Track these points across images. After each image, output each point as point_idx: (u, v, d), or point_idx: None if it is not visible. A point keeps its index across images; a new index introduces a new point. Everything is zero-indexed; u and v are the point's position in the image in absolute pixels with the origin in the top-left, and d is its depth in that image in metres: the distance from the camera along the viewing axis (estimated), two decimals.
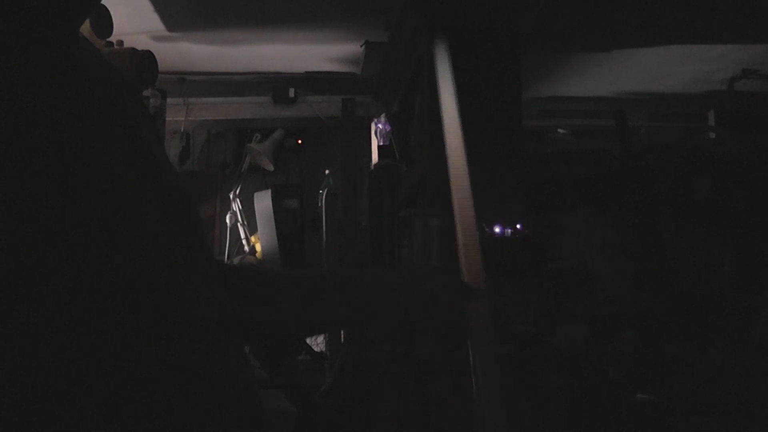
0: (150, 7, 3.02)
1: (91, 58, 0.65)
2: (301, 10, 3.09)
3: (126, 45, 2.91)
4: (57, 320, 0.51)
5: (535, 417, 2.06)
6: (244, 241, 4.27)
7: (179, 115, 4.19)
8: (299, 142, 4.48)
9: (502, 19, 2.55)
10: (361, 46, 3.45)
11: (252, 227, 4.19)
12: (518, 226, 2.29)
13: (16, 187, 0.50)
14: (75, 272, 0.52)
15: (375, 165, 3.47)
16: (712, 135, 4.22)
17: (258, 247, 4.15)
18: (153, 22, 3.15)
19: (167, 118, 3.83)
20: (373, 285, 0.97)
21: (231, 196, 4.25)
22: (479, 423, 0.85)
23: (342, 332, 3.45)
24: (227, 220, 4.24)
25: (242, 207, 4.24)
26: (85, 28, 2.45)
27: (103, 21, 2.56)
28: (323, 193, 3.92)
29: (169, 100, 3.81)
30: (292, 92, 4.21)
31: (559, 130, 3.95)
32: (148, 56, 2.80)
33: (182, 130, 4.25)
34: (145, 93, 3.40)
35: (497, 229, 2.28)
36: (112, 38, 2.74)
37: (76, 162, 0.54)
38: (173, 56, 3.61)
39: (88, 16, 0.63)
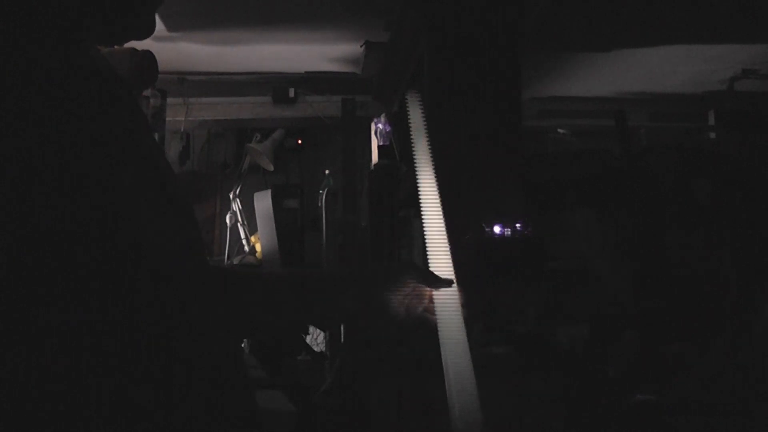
0: None
1: (92, 60, 0.65)
2: (301, 10, 3.09)
3: (126, 45, 2.91)
4: (57, 320, 0.51)
5: (535, 417, 2.06)
6: (244, 241, 4.27)
7: (179, 115, 4.19)
8: (299, 142, 4.48)
9: (502, 20, 2.55)
10: (361, 46, 3.45)
11: (252, 227, 4.19)
12: (518, 226, 2.29)
13: (17, 188, 0.50)
14: (75, 272, 0.52)
15: (375, 165, 3.47)
16: (712, 135, 4.22)
17: (258, 247, 4.15)
18: None
19: (167, 118, 3.83)
20: (335, 280, 1.01)
21: (231, 196, 4.24)
22: (450, 408, 0.85)
23: (342, 332, 3.45)
24: (227, 220, 4.24)
25: (242, 207, 4.24)
26: None
27: None
28: (323, 193, 3.92)
29: (169, 100, 3.80)
30: (292, 92, 4.21)
31: (559, 130, 3.95)
32: (148, 56, 2.80)
33: (182, 130, 4.25)
34: (145, 93, 3.40)
35: (497, 229, 2.28)
36: None
37: (77, 163, 0.54)
38: (173, 56, 3.61)
39: (95, 22, 0.63)
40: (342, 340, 3.47)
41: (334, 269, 2.94)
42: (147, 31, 0.66)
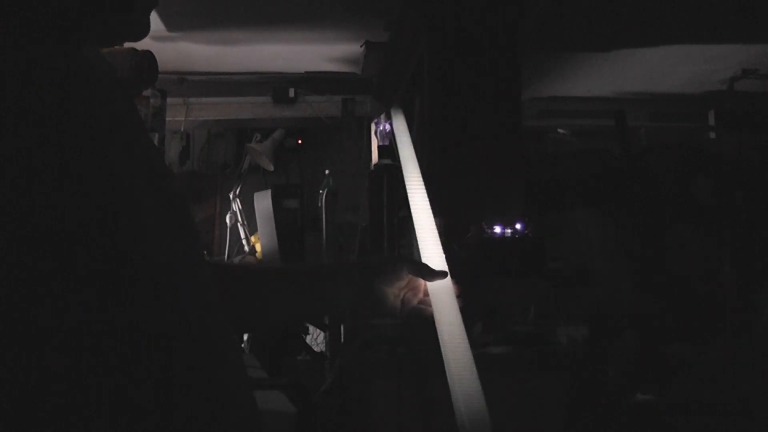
0: None
1: (90, 60, 0.65)
2: (301, 10, 3.09)
3: (126, 45, 2.91)
4: (57, 320, 0.51)
5: (535, 417, 2.06)
6: (244, 241, 4.27)
7: (179, 115, 4.19)
8: (299, 142, 4.48)
9: (502, 20, 2.55)
10: (361, 46, 3.45)
11: (252, 227, 4.19)
12: (518, 226, 2.29)
13: (17, 188, 0.50)
14: (75, 272, 0.52)
15: (375, 165, 3.47)
16: (712, 135, 4.22)
17: (258, 247, 4.15)
18: (153, 22, 3.14)
19: (167, 118, 3.83)
20: (331, 274, 1.02)
21: (231, 196, 4.25)
22: (452, 396, 0.86)
23: (342, 332, 3.45)
24: (227, 220, 4.24)
25: (242, 207, 4.24)
26: None
27: None
28: (323, 193, 3.92)
29: (169, 100, 3.80)
30: (292, 92, 4.21)
31: (559, 130, 3.95)
32: (148, 56, 2.80)
33: (182, 130, 4.25)
34: (145, 93, 3.40)
35: (497, 229, 2.28)
36: None
37: (77, 163, 0.54)
38: (173, 56, 3.61)
39: (94, 22, 0.63)
40: (342, 340, 3.47)
41: (330, 263, 2.96)
42: (142, 32, 0.66)
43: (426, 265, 1.01)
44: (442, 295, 0.98)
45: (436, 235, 1.09)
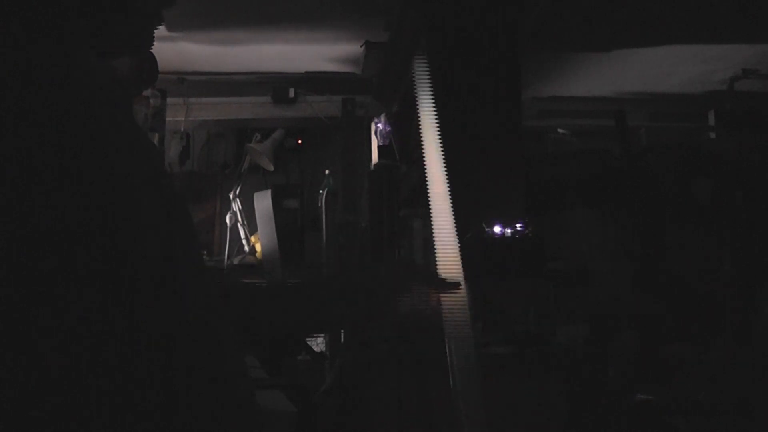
0: None
1: (92, 60, 0.65)
2: (301, 10, 3.10)
3: None
4: (57, 320, 0.51)
5: (535, 417, 2.06)
6: (244, 241, 4.27)
7: (179, 115, 4.18)
8: (299, 142, 4.48)
9: (502, 20, 2.56)
10: (361, 46, 3.45)
11: (252, 227, 4.19)
12: (518, 226, 2.29)
13: (17, 188, 0.50)
14: (75, 272, 0.52)
15: (375, 165, 3.47)
16: (712, 135, 4.22)
17: (258, 247, 4.15)
18: None
19: (167, 118, 3.83)
20: (340, 288, 1.00)
21: (231, 196, 4.25)
22: (457, 414, 0.85)
23: (342, 333, 3.45)
24: (227, 220, 4.24)
25: (242, 207, 4.24)
26: None
27: None
28: (323, 193, 3.92)
29: (169, 100, 3.80)
30: (292, 92, 4.21)
31: (559, 130, 3.95)
32: (148, 56, 2.80)
33: (182, 130, 4.25)
34: (145, 93, 3.40)
35: (497, 229, 2.28)
36: None
37: (76, 163, 0.54)
38: (173, 56, 3.62)
39: (95, 23, 0.63)
40: (342, 340, 3.47)
41: (338, 276, 2.94)
42: (144, 43, 0.66)
43: (438, 276, 0.99)
44: (454, 306, 0.96)
45: (455, 237, 1.03)
